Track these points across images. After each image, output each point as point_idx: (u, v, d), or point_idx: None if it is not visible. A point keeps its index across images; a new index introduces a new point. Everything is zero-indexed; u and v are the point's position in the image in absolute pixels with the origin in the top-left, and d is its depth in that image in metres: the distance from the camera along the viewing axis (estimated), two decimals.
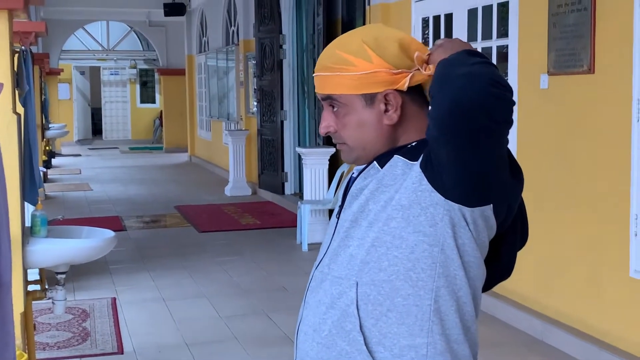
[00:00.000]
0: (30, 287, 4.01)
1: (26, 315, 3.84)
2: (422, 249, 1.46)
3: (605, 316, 4.42)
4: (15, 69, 3.98)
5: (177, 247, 7.88)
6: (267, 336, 5.01)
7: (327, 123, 1.59)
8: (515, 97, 4.97)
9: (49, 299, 4.01)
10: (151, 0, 17.28)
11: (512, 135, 5.18)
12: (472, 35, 5.80)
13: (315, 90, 1.61)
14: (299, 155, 8.82)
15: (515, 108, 5.53)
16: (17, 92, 4.00)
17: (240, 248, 7.74)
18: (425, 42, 6.61)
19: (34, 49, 9.55)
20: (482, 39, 5.68)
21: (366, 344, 1.49)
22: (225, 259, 7.21)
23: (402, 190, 1.47)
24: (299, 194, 10.05)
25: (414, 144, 1.55)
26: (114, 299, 5.85)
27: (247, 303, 5.79)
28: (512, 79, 5.21)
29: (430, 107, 1.43)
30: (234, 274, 6.67)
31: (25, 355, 3.75)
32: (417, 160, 1.49)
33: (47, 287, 4.06)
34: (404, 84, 1.52)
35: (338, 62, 1.54)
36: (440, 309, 1.48)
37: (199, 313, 5.54)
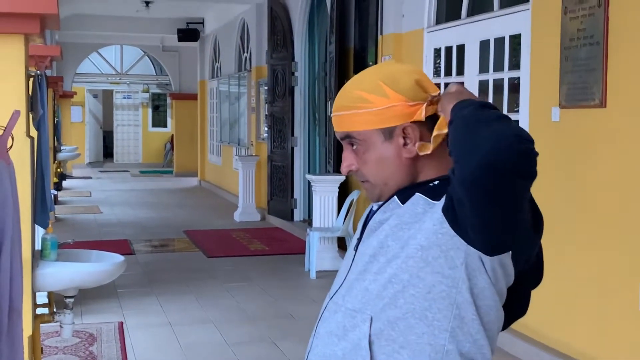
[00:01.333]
0: (39, 310, 4.01)
1: (34, 339, 3.83)
2: (440, 289, 1.46)
3: (614, 350, 4.38)
4: (30, 92, 4.01)
5: (185, 271, 7.88)
6: None
7: (349, 162, 1.61)
8: (525, 129, 4.93)
9: (57, 322, 4.01)
10: (165, 26, 17.43)
11: None
12: (483, 67, 5.83)
13: (335, 130, 1.62)
14: (309, 182, 8.83)
15: None
16: (31, 115, 4.03)
17: (248, 274, 7.73)
18: (436, 72, 6.64)
19: (48, 72, 9.63)
20: (493, 71, 5.70)
21: None
22: (232, 285, 7.20)
23: (423, 231, 1.47)
24: (308, 221, 10.05)
25: (436, 182, 1.55)
26: (121, 323, 5.84)
27: (254, 330, 5.77)
28: (524, 111, 5.23)
29: (453, 168, 1.41)
30: (241, 300, 6.65)
31: None
32: (438, 199, 1.49)
33: (55, 310, 4.06)
34: (421, 114, 1.53)
35: (354, 100, 1.56)
36: (455, 349, 1.48)
37: (205, 339, 5.52)
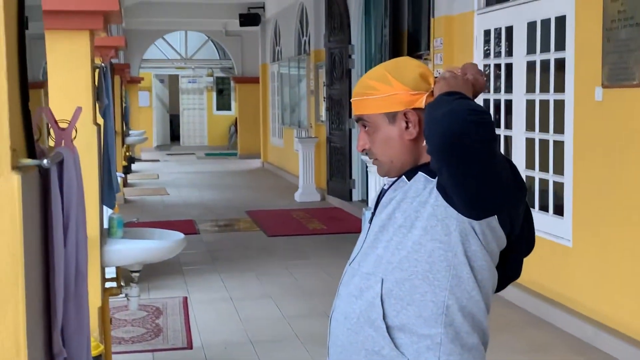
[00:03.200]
0: (107, 284, 4.35)
1: (103, 310, 4.16)
2: (439, 254, 1.71)
3: None
4: (96, 84, 4.33)
5: (246, 250, 8.21)
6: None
7: (363, 142, 1.88)
8: (571, 108, 5.07)
9: (125, 295, 4.34)
10: (227, 11, 17.79)
11: (569, 145, 5.30)
12: (531, 48, 5.93)
13: (353, 113, 1.90)
14: (366, 163, 9.04)
15: (571, 119, 5.58)
16: (97, 105, 4.35)
17: (306, 252, 8.02)
18: (486, 53, 6.75)
19: (114, 60, 10.05)
20: (540, 52, 5.81)
21: (388, 331, 1.74)
22: (291, 262, 7.49)
23: (423, 204, 1.73)
24: (367, 201, 10.27)
25: None
26: (186, 298, 6.20)
27: (310, 305, 6.04)
28: (569, 91, 5.33)
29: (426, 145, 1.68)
30: (299, 276, 6.94)
31: (102, 347, 4.07)
32: (436, 177, 1.73)
33: (122, 284, 4.40)
34: (422, 102, 1.78)
35: (366, 88, 1.84)
36: (454, 304, 1.73)
37: (263, 313, 5.82)
